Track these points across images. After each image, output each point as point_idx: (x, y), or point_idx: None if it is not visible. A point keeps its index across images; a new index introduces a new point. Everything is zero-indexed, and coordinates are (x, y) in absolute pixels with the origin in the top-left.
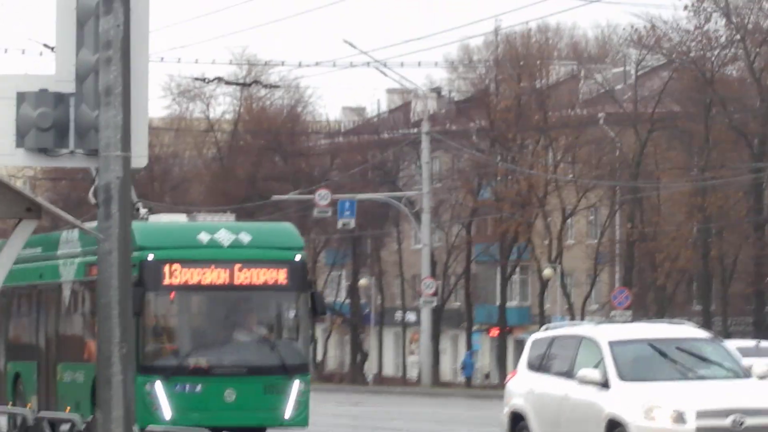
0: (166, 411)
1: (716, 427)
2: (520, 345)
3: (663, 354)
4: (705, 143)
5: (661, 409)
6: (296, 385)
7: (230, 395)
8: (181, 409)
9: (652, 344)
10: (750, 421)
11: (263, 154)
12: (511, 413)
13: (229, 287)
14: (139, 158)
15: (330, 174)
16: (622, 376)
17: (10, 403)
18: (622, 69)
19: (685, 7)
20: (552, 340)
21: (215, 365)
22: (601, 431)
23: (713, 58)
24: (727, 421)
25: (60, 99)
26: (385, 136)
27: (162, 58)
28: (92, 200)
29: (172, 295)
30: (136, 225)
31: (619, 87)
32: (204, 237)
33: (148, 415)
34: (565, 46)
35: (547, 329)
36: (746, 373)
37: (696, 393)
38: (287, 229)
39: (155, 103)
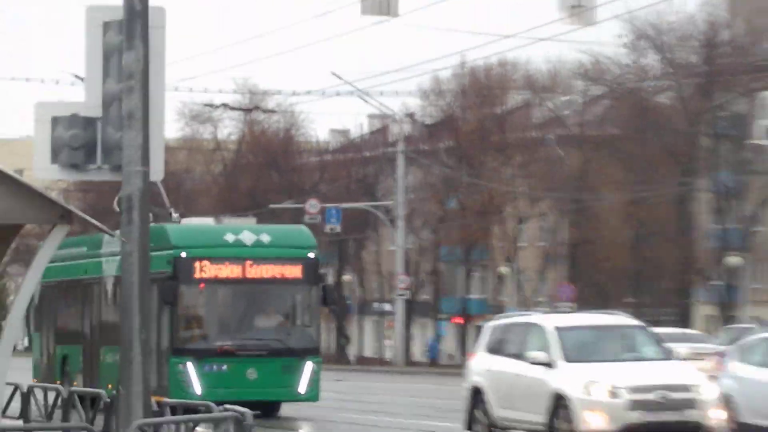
0: (197, 387)
1: (644, 401)
2: (479, 331)
3: (601, 339)
4: (639, 161)
5: (598, 385)
6: (309, 366)
7: (252, 374)
8: (210, 386)
9: (592, 331)
10: (672, 396)
11: (262, 169)
12: (472, 388)
13: (252, 281)
14: (156, 173)
15: (319, 186)
16: (566, 358)
17: (58, 381)
18: (569, 97)
19: (624, 45)
20: (506, 327)
21: (239, 348)
22: (547, 404)
23: (648, 88)
24: (653, 395)
25: (89, 122)
26: (366, 154)
27: (176, 88)
28: (116, 209)
29: (202, 287)
30: (170, 227)
31: (566, 113)
32: (230, 237)
33: (180, 391)
34: (521, 78)
35: (502, 318)
36: (670, 356)
37: (628, 372)
38: (302, 230)
39: (170, 125)
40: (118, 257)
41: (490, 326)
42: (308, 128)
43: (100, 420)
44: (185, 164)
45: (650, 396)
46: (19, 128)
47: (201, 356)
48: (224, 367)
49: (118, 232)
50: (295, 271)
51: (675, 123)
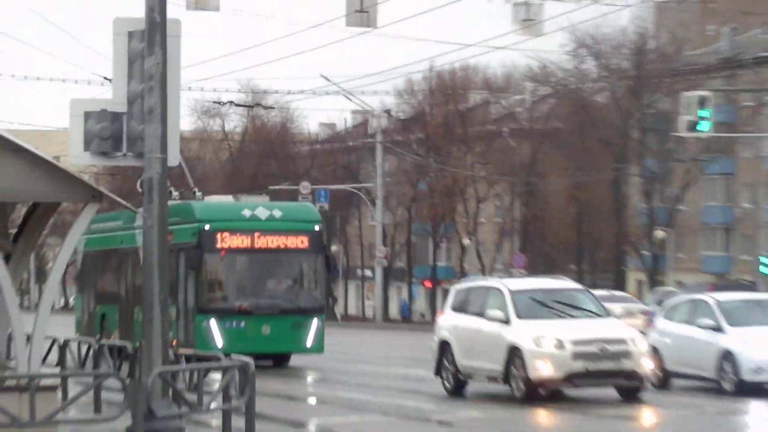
0: (219, 341)
1: (585, 352)
2: (446, 293)
3: (548, 300)
4: (580, 151)
5: (546, 338)
6: (315, 323)
7: (266, 330)
8: (230, 340)
9: (541, 293)
10: (609, 347)
11: (262, 157)
12: (440, 341)
13: (265, 250)
14: (173, 159)
15: (310, 171)
16: (519, 315)
17: (98, 336)
18: (520, 97)
19: (567, 52)
20: (469, 290)
21: (255, 307)
22: (504, 355)
23: (586, 89)
24: (593, 347)
25: (116, 117)
26: (350, 144)
27: (190, 87)
28: (139, 189)
29: (223, 255)
30: (195, 204)
31: (518, 110)
32: (246, 212)
33: (204, 344)
34: (480, 80)
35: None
36: (607, 314)
37: (571, 327)
38: (308, 207)
39: (184, 119)
40: None
41: (455, 289)
42: (301, 122)
43: (125, 368)
44: (197, 152)
45: (590, 348)
46: (56, 121)
47: (222, 314)
48: (242, 323)
49: (141, 209)
50: (302, 242)
51: (609, 118)
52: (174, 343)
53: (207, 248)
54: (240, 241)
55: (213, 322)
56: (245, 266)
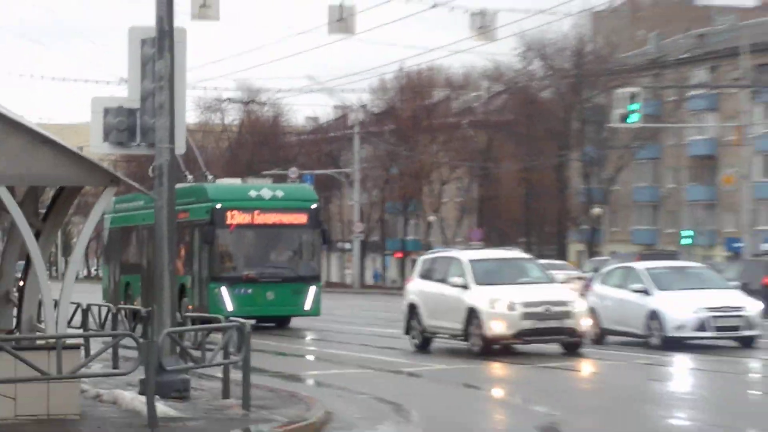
0: (229, 306)
1: (533, 312)
2: (414, 263)
3: (502, 268)
4: (528, 139)
5: (500, 301)
6: (312, 289)
7: (270, 295)
8: (239, 305)
9: (495, 262)
10: (554, 309)
11: (257, 146)
12: (409, 304)
13: (269, 226)
14: (180, 149)
15: (297, 158)
16: (477, 281)
17: (122, 302)
18: (478, 93)
19: (517, 55)
20: (434, 260)
21: (260, 276)
22: (464, 315)
23: (534, 86)
24: (540, 308)
25: (131, 112)
26: (331, 134)
27: (194, 86)
28: (151, 174)
29: (232, 230)
30: (208, 186)
31: (476, 104)
32: (253, 193)
33: (217, 309)
34: (443, 79)
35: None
36: (552, 280)
37: (521, 292)
38: (306, 188)
39: (190, 114)
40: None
41: (422, 259)
42: (290, 116)
43: (139, 329)
44: (201, 142)
45: (538, 309)
46: (80, 116)
47: (232, 282)
48: (249, 290)
49: (153, 192)
50: (301, 218)
51: (554, 111)
52: (189, 307)
53: (218, 224)
54: (247, 218)
55: (224, 289)
56: (252, 240)
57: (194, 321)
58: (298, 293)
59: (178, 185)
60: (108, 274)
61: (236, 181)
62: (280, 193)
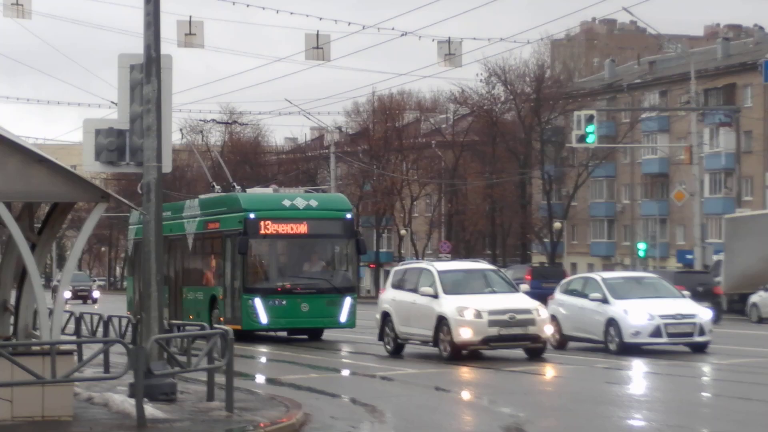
0: (263, 318)
1: (499, 320)
2: (387, 273)
3: (469, 278)
4: (492, 159)
5: (468, 309)
6: (348, 301)
7: (305, 307)
8: (272, 316)
9: (463, 273)
10: (518, 316)
11: (239, 165)
12: (382, 312)
13: (304, 236)
14: (166, 167)
15: (277, 176)
16: (446, 291)
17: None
18: (445, 115)
19: (481, 80)
20: (405, 270)
21: (295, 287)
22: (434, 323)
23: (497, 110)
24: (505, 316)
25: (120, 133)
26: (308, 154)
27: (180, 109)
28: (140, 191)
29: (266, 240)
30: (241, 195)
31: (444, 126)
32: (287, 202)
33: (250, 321)
34: (413, 102)
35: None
36: (516, 290)
37: (488, 300)
38: (341, 197)
39: (176, 135)
40: (198, 219)
41: (394, 270)
42: (270, 136)
43: (129, 336)
44: (186, 161)
45: (503, 317)
46: (73, 137)
47: (266, 293)
48: (283, 302)
49: (141, 207)
50: (336, 228)
51: (516, 132)
52: (221, 319)
53: (252, 234)
54: (281, 228)
55: (258, 301)
56: (286, 250)
57: (179, 328)
58: (333, 305)
59: (209, 195)
60: (133, 285)
61: (267, 191)
62: (314, 203)
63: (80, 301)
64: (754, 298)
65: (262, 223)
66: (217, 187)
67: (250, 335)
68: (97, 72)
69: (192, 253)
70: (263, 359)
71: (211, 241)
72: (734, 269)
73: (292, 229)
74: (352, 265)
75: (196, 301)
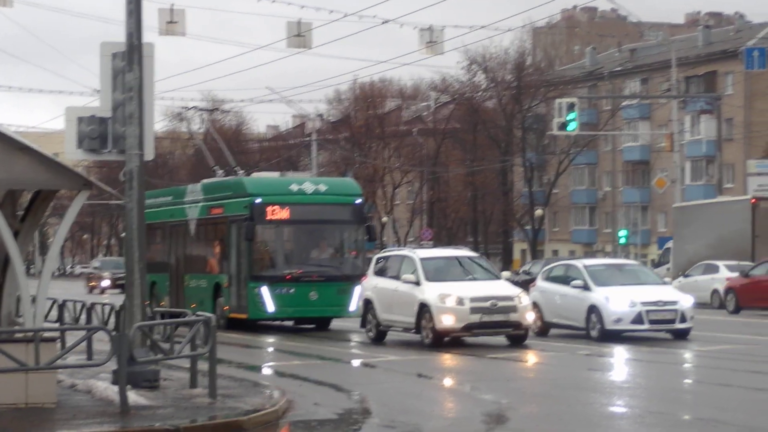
0: (270, 306)
1: (481, 307)
2: (369, 261)
3: (451, 265)
4: (473, 146)
5: (450, 296)
6: (357, 289)
7: (313, 295)
8: (280, 305)
9: (445, 260)
10: (500, 303)
11: (221, 152)
12: (365, 300)
13: (312, 221)
14: (148, 155)
15: (259, 163)
16: (428, 278)
17: (147, 302)
18: (427, 103)
19: (462, 68)
20: (388, 258)
21: (303, 275)
22: (415, 309)
23: (478, 97)
24: (487, 303)
25: (102, 121)
26: (290, 141)
27: (162, 97)
28: (122, 179)
29: (273, 225)
30: (246, 179)
31: (425, 113)
32: (294, 187)
33: (257, 310)
34: (394, 90)
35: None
36: (498, 277)
37: (470, 287)
38: (350, 182)
39: (158, 122)
40: (201, 204)
41: (376, 257)
42: (252, 124)
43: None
44: (169, 148)
45: (485, 304)
46: (55, 124)
47: (273, 281)
48: (291, 290)
49: (124, 195)
50: (345, 214)
51: (497, 120)
52: (226, 308)
53: (258, 220)
54: (289, 213)
55: (265, 289)
56: (293, 236)
57: (162, 315)
58: (342, 293)
59: (212, 180)
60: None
61: (274, 175)
62: (323, 187)
63: (119, 291)
64: (674, 284)
65: (269, 208)
66: (220, 171)
67: (255, 324)
68: (74, 59)
69: (195, 240)
70: (245, 344)
71: (215, 227)
72: (682, 255)
73: (300, 214)
74: (362, 252)
75: (199, 289)
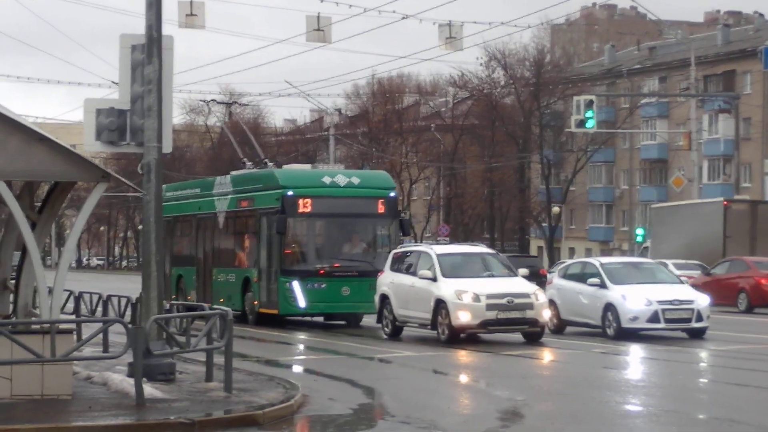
0: (301, 302)
1: (497, 303)
2: (386, 256)
3: (467, 262)
4: (491, 142)
5: (466, 293)
6: None
7: (345, 291)
8: (311, 300)
9: (461, 256)
10: (516, 300)
11: (238, 146)
12: (381, 295)
13: (345, 215)
14: (167, 147)
15: (276, 158)
16: (444, 274)
17: (174, 296)
18: (445, 99)
19: (481, 64)
20: (404, 253)
21: (335, 270)
22: (432, 305)
23: (497, 93)
24: (504, 300)
25: (121, 113)
26: (308, 136)
27: (180, 90)
28: (140, 171)
29: (305, 219)
30: (278, 171)
31: (443, 109)
32: (327, 179)
33: (288, 305)
34: (413, 85)
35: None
36: (515, 274)
37: (486, 284)
38: (384, 175)
39: (176, 115)
40: (230, 196)
41: (393, 253)
42: (269, 118)
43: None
44: (186, 141)
45: (501, 300)
46: (74, 116)
47: (304, 276)
48: (323, 285)
49: (142, 188)
50: (378, 207)
51: (515, 117)
52: (255, 303)
53: (290, 212)
54: (321, 206)
55: (296, 284)
56: (326, 230)
57: (179, 308)
58: (375, 289)
59: (242, 171)
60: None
61: (305, 167)
62: (356, 180)
63: None
64: None
65: (301, 201)
66: (249, 164)
67: (284, 320)
68: (89, 49)
69: (223, 233)
70: (259, 338)
71: (245, 220)
72: (659, 255)
73: (332, 207)
74: (396, 246)
75: (228, 284)
